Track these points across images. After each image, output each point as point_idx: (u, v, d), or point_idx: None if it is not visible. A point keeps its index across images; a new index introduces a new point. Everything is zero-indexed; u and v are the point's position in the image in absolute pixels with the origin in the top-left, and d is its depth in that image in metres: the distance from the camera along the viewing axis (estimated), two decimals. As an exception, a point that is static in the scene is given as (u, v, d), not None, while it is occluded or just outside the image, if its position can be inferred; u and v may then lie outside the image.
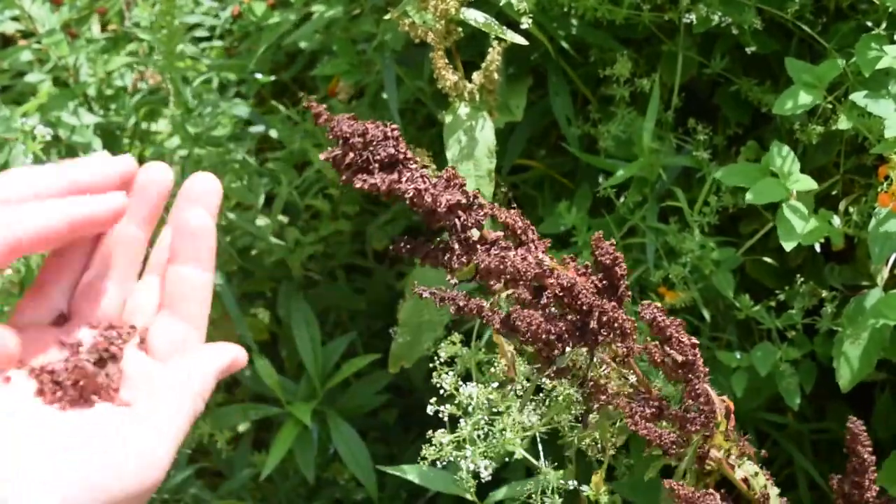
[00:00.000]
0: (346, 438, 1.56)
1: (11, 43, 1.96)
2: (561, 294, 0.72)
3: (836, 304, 1.26)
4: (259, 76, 1.76)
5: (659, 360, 0.79)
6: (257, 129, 1.73)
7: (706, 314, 1.31)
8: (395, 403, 1.76)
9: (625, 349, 0.76)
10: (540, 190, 1.57)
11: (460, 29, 1.22)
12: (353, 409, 1.64)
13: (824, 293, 1.27)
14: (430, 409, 1.00)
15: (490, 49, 1.24)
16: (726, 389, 1.28)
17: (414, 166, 0.68)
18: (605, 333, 0.73)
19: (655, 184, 1.37)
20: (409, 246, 0.71)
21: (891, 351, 1.17)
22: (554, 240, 1.38)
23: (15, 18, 1.79)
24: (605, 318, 0.73)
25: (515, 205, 1.53)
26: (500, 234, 0.73)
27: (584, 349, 0.75)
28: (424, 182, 0.68)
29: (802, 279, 1.30)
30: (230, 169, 1.64)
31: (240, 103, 1.67)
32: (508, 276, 0.71)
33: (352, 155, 0.67)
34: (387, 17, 1.22)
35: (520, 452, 0.98)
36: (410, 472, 1.16)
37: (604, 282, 0.75)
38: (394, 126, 0.68)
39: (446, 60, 1.23)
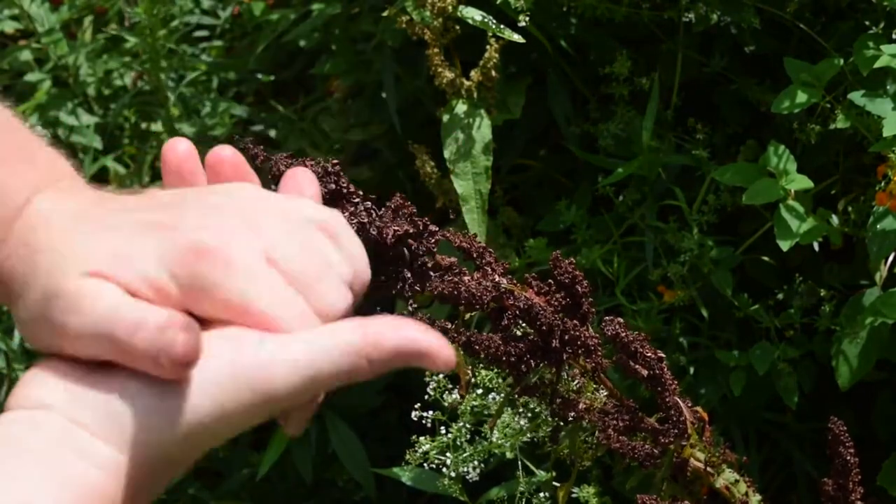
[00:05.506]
0: (344, 439, 1.56)
1: (11, 42, 1.96)
2: (520, 316, 0.72)
3: (835, 304, 1.25)
4: (259, 76, 1.76)
5: (631, 373, 0.79)
6: (256, 128, 1.73)
7: (705, 313, 1.31)
8: (394, 403, 1.75)
9: (592, 364, 0.76)
10: (539, 189, 1.57)
11: (458, 27, 1.22)
12: (352, 409, 1.63)
13: (823, 292, 1.27)
14: (414, 415, 1.00)
15: (488, 46, 1.24)
16: (725, 388, 1.28)
17: (357, 200, 0.68)
18: (568, 351, 0.73)
19: (655, 182, 1.37)
20: None
21: (890, 351, 1.17)
22: (553, 238, 1.38)
23: (14, 18, 1.79)
24: (567, 337, 0.73)
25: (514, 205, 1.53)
26: (454, 259, 0.72)
27: (552, 367, 0.75)
28: (369, 215, 0.67)
29: (801, 278, 1.29)
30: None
31: (237, 105, 1.67)
32: (464, 302, 0.70)
33: None
34: (385, 13, 1.21)
35: (510, 454, 0.98)
36: (404, 475, 1.15)
37: (566, 300, 0.74)
38: (334, 161, 0.67)
39: (443, 57, 1.22)
